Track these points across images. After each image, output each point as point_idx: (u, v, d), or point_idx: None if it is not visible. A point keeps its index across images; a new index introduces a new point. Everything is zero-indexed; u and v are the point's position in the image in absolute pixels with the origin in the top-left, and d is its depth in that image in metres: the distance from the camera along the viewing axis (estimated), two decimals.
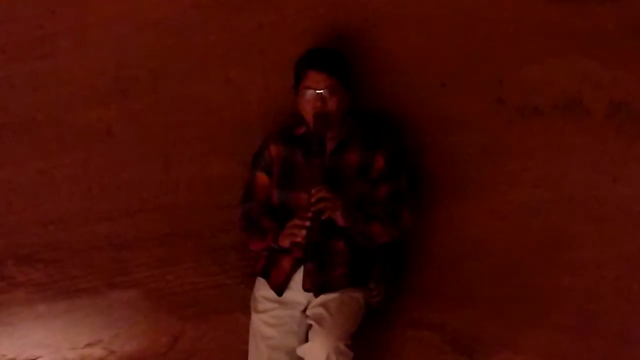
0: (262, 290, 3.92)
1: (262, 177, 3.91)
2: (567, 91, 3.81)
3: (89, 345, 4.20)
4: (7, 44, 3.81)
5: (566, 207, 3.93)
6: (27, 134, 3.97)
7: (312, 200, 3.64)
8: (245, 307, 4.04)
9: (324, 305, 3.78)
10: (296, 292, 3.85)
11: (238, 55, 3.99)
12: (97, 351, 4.20)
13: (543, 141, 3.91)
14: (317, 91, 3.70)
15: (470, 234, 4.17)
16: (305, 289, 3.80)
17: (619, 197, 3.82)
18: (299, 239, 3.68)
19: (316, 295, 3.82)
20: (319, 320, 3.73)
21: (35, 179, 4.04)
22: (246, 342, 3.96)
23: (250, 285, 4.03)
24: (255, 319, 3.91)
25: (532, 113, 3.89)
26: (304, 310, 3.86)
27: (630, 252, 3.85)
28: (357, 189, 3.82)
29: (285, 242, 3.75)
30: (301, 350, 3.77)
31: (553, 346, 4.00)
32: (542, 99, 3.86)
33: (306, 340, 3.81)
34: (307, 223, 3.65)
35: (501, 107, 3.94)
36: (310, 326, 3.79)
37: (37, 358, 4.17)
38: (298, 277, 3.85)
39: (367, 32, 3.95)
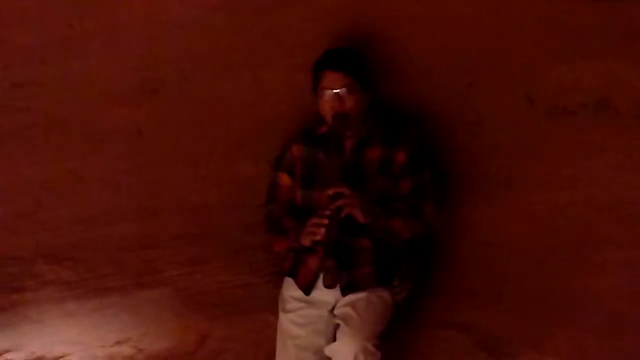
0: (290, 289, 4.00)
1: (284, 178, 4.01)
2: (597, 91, 3.80)
3: (117, 343, 4.27)
4: (37, 44, 3.85)
5: (595, 207, 3.94)
6: (56, 133, 4.04)
7: (330, 198, 3.72)
8: (273, 307, 4.10)
9: (351, 304, 3.84)
10: (324, 291, 3.90)
11: (266, 55, 4.05)
12: (126, 349, 4.27)
13: (572, 141, 3.92)
14: (335, 91, 3.78)
15: (498, 234, 4.21)
16: (326, 285, 3.82)
17: None
18: (318, 237, 3.74)
19: (344, 295, 3.89)
20: (347, 319, 3.80)
21: (64, 178, 4.11)
22: (274, 342, 4.03)
23: (279, 285, 4.10)
24: (283, 318, 3.98)
25: (561, 113, 3.90)
26: (332, 310, 3.92)
27: None
28: (379, 185, 3.89)
29: (306, 241, 3.82)
30: (329, 350, 3.83)
31: (579, 347, 4.03)
32: (571, 98, 3.86)
33: (334, 339, 3.86)
34: (326, 221, 3.71)
35: (529, 107, 3.96)
36: (337, 326, 3.85)
37: (66, 355, 4.24)
38: (322, 279, 3.89)
39: (394, 32, 4.00)
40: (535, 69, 3.92)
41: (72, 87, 3.98)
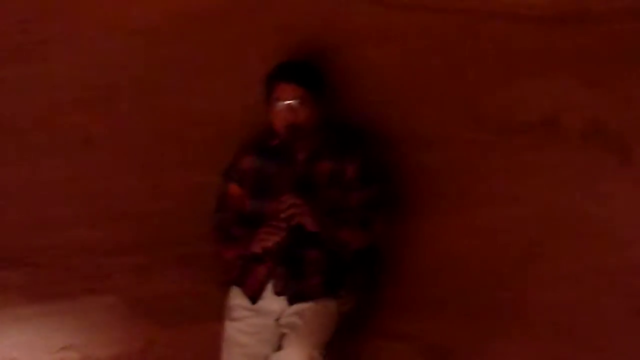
0: (237, 298, 4.05)
1: (234, 189, 4.08)
2: (545, 110, 3.92)
3: (64, 348, 4.28)
4: None
5: (541, 223, 4.05)
6: (11, 137, 4.11)
7: (282, 207, 3.82)
8: (219, 316, 4.11)
9: (298, 314, 3.91)
10: (270, 300, 3.98)
11: (220, 66, 4.12)
12: (72, 355, 4.27)
13: (520, 159, 4.04)
14: (287, 102, 3.88)
15: (446, 248, 4.29)
16: (276, 292, 3.93)
17: (594, 213, 3.93)
18: (269, 244, 3.85)
19: (291, 304, 3.95)
20: (294, 328, 3.86)
21: (17, 183, 4.16)
22: (220, 350, 4.05)
23: (226, 294, 4.14)
24: (230, 327, 4.03)
25: (510, 131, 4.01)
26: (278, 319, 3.98)
27: (604, 267, 3.96)
28: (329, 197, 3.97)
29: (256, 248, 3.90)
30: (275, 358, 3.89)
31: (524, 356, 4.11)
32: (518, 118, 3.98)
33: (279, 348, 3.91)
34: (278, 228, 3.83)
35: (478, 125, 4.07)
36: (283, 335, 3.91)
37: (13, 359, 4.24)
38: (272, 285, 3.99)
39: (346, 47, 4.08)
40: (482, 88, 4.04)
41: (26, 93, 4.05)
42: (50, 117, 4.09)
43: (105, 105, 4.12)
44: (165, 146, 4.25)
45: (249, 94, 4.11)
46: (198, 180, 4.29)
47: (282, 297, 3.96)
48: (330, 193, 3.99)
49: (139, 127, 4.18)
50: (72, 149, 4.17)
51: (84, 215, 4.26)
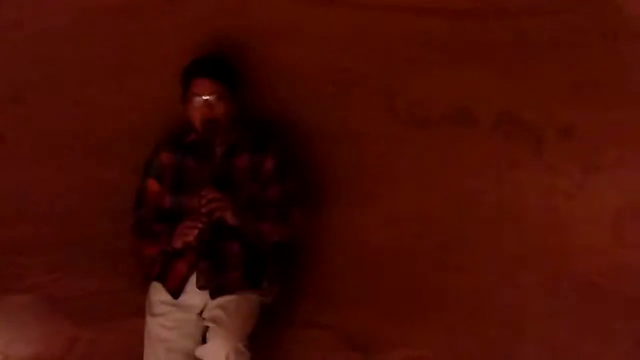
0: (158, 294, 4.08)
1: (153, 185, 4.12)
2: (457, 101, 3.98)
3: None
4: None
5: (455, 211, 4.12)
6: None
7: (202, 201, 3.87)
8: (139, 311, 4.16)
9: (221, 307, 3.96)
10: (192, 295, 4.02)
11: (133, 62, 4.14)
12: None
13: (433, 149, 4.10)
14: (204, 98, 3.93)
15: (362, 239, 4.37)
16: (199, 286, 3.98)
17: (505, 200, 4.00)
18: (190, 239, 3.90)
19: (212, 298, 4.00)
20: (217, 321, 3.91)
21: None
22: (141, 346, 4.08)
23: (144, 290, 4.17)
24: (152, 322, 4.06)
25: (423, 122, 4.07)
26: (200, 313, 4.02)
27: (520, 251, 4.01)
28: (248, 191, 4.04)
29: (178, 243, 3.95)
30: (200, 352, 3.93)
31: (447, 340, 4.17)
32: (432, 109, 4.03)
33: (202, 342, 3.96)
34: (199, 223, 3.87)
35: (393, 117, 4.12)
36: (206, 328, 3.96)
37: None
38: (193, 280, 4.02)
39: (258, 42, 4.14)
40: (395, 80, 4.08)
41: None
42: None
43: (16, 104, 4.11)
44: (77, 143, 4.27)
45: (164, 89, 4.14)
46: (111, 176, 4.34)
47: (204, 291, 4.00)
48: (248, 187, 4.05)
49: (51, 125, 4.20)
50: None
51: None
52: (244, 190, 4.03)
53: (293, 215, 4.10)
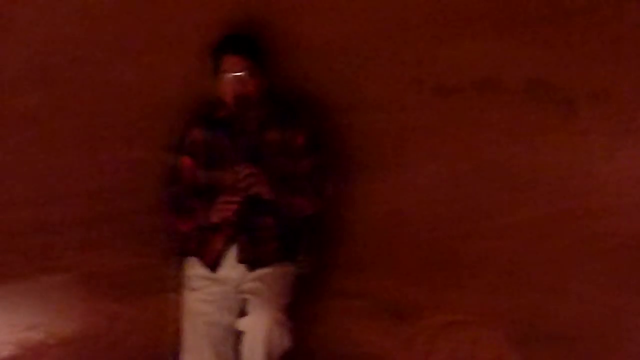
0: (195, 268, 4.16)
1: (186, 161, 4.17)
2: (485, 70, 4.00)
3: (28, 329, 4.29)
4: None
5: (485, 177, 4.16)
6: None
7: (238, 176, 3.93)
8: (176, 286, 4.25)
9: (259, 279, 4.05)
10: (229, 268, 4.10)
11: (159, 40, 4.13)
12: (37, 335, 4.29)
13: (461, 118, 4.13)
14: (236, 74, 3.98)
15: (392, 207, 4.42)
16: (240, 260, 4.06)
17: (539, 165, 4.04)
18: (229, 214, 3.96)
19: (250, 270, 4.08)
20: (257, 293, 4.00)
21: None
22: (180, 321, 4.16)
23: (179, 265, 4.24)
24: (190, 297, 4.14)
25: (450, 91, 4.09)
26: (237, 286, 4.09)
27: (551, 214, 4.05)
28: (279, 165, 4.10)
29: (215, 219, 4.02)
30: (242, 324, 4.00)
31: (487, 305, 4.21)
32: (460, 78, 4.06)
33: (242, 314, 4.03)
34: (237, 198, 3.94)
35: (419, 87, 4.14)
36: (244, 301, 4.03)
37: None
38: (230, 254, 4.10)
39: (283, 17, 4.14)
40: (421, 50, 4.09)
41: None
42: None
43: (46, 85, 4.09)
44: (107, 123, 4.25)
45: (189, 66, 4.18)
46: (140, 155, 4.36)
47: (241, 265, 4.07)
48: (280, 161, 4.11)
49: (81, 105, 4.18)
50: (15, 130, 4.15)
51: (30, 195, 4.26)
52: (276, 165, 4.09)
53: (325, 187, 4.18)
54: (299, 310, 4.15)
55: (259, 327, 3.92)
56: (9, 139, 4.15)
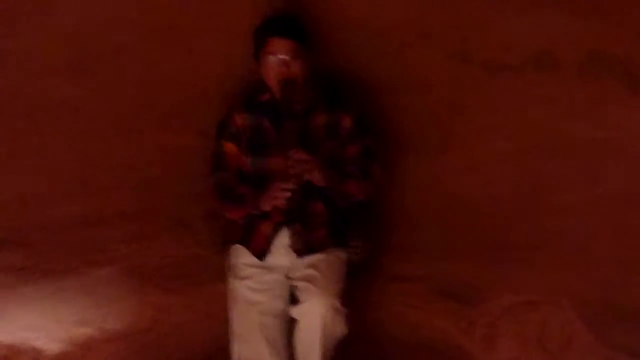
0: (242, 257, 4.12)
1: (230, 147, 4.11)
2: (537, 45, 3.85)
3: (77, 324, 4.24)
4: None
5: (544, 154, 4.03)
6: None
7: (290, 163, 3.85)
8: (223, 276, 4.21)
9: (312, 266, 4.00)
10: (278, 256, 4.07)
11: (200, 25, 4.09)
12: (87, 330, 4.25)
13: (513, 95, 3.99)
14: (280, 57, 3.91)
15: (444, 188, 4.33)
16: (295, 250, 4.02)
17: (603, 139, 3.88)
18: (281, 202, 3.89)
19: (301, 257, 4.03)
20: (311, 280, 3.95)
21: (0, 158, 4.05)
22: (227, 310, 4.15)
23: (224, 254, 4.22)
24: (239, 285, 4.08)
25: (499, 69, 3.96)
26: (286, 274, 4.06)
27: (620, 189, 3.91)
28: (327, 150, 4.04)
29: (267, 206, 3.96)
30: (296, 312, 3.96)
31: (552, 284, 4.08)
32: (509, 53, 3.92)
33: (295, 302, 3.99)
34: (291, 185, 3.86)
35: (466, 65, 4.02)
36: (295, 288, 4.00)
37: (28, 341, 4.12)
38: (278, 241, 4.07)
39: None
40: (470, 27, 3.98)
41: (5, 64, 3.88)
42: (32, 89, 3.93)
43: (87, 73, 4.04)
44: (149, 111, 4.22)
45: (231, 50, 4.15)
46: (185, 142, 4.34)
47: (290, 252, 4.03)
48: (328, 145, 4.06)
49: (123, 93, 4.13)
50: (57, 120, 4.06)
51: (73, 187, 4.18)
52: (323, 149, 4.03)
53: (374, 171, 4.11)
54: (356, 296, 4.12)
55: (314, 315, 3.88)
56: (49, 128, 4.07)
